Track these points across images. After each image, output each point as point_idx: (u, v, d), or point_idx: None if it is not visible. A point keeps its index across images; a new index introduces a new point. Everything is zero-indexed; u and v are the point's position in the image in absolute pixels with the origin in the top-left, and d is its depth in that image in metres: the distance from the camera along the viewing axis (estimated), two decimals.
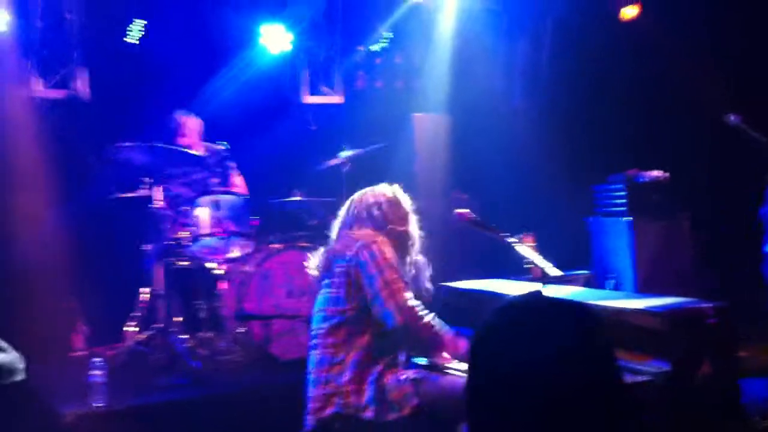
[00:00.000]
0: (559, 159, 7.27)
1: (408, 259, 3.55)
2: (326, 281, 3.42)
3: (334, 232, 3.64)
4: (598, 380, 1.58)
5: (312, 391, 3.29)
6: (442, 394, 3.22)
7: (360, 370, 3.22)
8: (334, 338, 3.28)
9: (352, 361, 3.23)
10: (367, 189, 3.67)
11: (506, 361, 1.57)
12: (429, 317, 3.36)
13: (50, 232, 6.08)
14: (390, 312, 3.23)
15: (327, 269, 3.43)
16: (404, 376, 3.30)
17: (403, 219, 3.59)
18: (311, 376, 3.32)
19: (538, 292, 1.77)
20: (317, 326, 3.38)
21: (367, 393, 3.19)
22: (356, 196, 3.67)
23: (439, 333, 3.37)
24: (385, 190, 3.65)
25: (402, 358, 3.42)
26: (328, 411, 3.20)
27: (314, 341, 3.37)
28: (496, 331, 1.64)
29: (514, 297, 1.71)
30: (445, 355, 3.44)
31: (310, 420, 3.28)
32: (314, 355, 3.35)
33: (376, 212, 3.53)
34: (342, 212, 3.66)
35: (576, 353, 1.57)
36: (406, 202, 3.66)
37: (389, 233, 3.47)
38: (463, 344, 3.35)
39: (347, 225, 3.57)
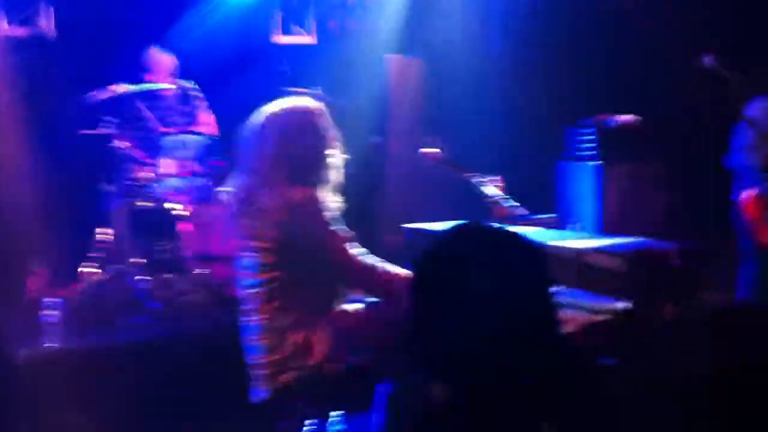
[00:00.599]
0: (531, 103, 7.18)
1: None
2: (250, 243, 3.06)
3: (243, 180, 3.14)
4: (533, 308, 1.60)
5: (258, 359, 3.05)
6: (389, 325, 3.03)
7: (308, 329, 3.01)
8: (272, 303, 3.02)
9: (297, 322, 3.01)
10: (264, 116, 3.13)
11: (446, 288, 1.57)
12: (377, 270, 3.10)
13: (11, 171, 5.94)
14: (337, 272, 3.05)
15: (248, 230, 3.07)
16: (354, 317, 3.15)
17: (320, 152, 3.11)
18: (254, 344, 3.06)
19: (476, 221, 1.74)
20: (248, 291, 3.09)
21: (319, 347, 3.01)
22: (255, 123, 3.13)
23: (390, 280, 3.10)
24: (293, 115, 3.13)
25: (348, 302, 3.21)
26: (285, 376, 2.99)
27: (248, 307, 3.10)
28: (435, 258, 1.65)
29: (453, 226, 1.71)
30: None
31: (263, 386, 3.04)
32: (252, 322, 3.08)
33: (291, 153, 3.06)
34: (247, 144, 3.15)
35: (511, 280, 1.58)
36: (313, 125, 3.13)
37: (306, 177, 3.06)
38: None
39: (259, 172, 3.08)
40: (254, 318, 3.08)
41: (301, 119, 3.13)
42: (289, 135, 3.08)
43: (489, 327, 1.53)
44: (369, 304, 3.24)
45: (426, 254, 1.66)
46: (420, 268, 1.65)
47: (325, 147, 3.14)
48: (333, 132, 3.18)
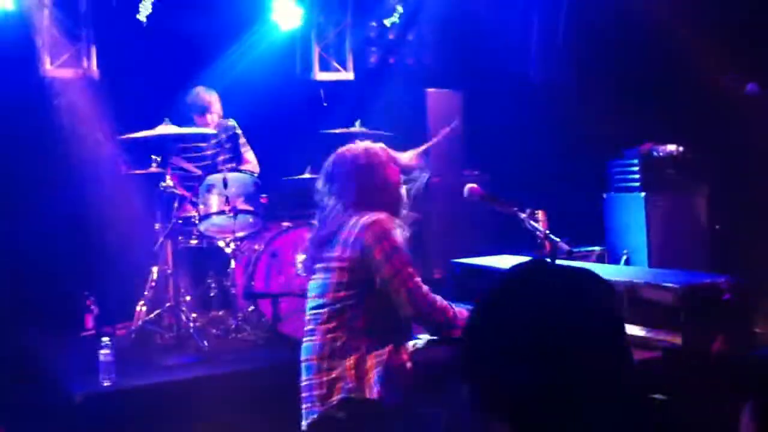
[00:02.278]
0: (573, 134, 7.16)
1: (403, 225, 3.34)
2: (321, 265, 3.23)
3: (325, 211, 3.34)
4: (605, 350, 1.50)
5: (312, 379, 3.14)
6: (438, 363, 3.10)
7: (365, 356, 3.08)
8: (334, 324, 3.13)
9: (356, 346, 3.09)
10: (338, 154, 3.39)
11: (507, 329, 1.50)
12: (441, 302, 3.19)
13: (62, 212, 6.06)
14: (401, 301, 3.10)
15: (320, 252, 3.24)
16: (408, 358, 3.15)
17: (390, 182, 3.34)
18: (309, 363, 3.17)
19: (542, 259, 1.70)
20: (313, 312, 3.22)
21: (374, 376, 3.05)
22: (329, 164, 3.38)
23: (453, 317, 3.18)
24: (361, 152, 3.34)
25: (408, 339, 3.27)
26: (335, 397, 3.06)
27: (310, 327, 3.22)
28: (498, 295, 1.57)
29: (517, 264, 1.64)
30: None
31: (313, 407, 3.13)
32: (312, 342, 3.19)
33: (360, 184, 3.27)
34: (321, 185, 3.37)
35: (582, 321, 1.49)
36: (385, 158, 3.36)
37: (384, 206, 3.26)
38: None
39: (337, 201, 3.29)
40: (311, 338, 3.19)
41: (379, 155, 3.36)
42: (373, 167, 3.31)
43: (558, 368, 1.45)
44: (429, 342, 3.27)
45: (492, 293, 1.58)
46: (486, 306, 1.58)
47: (399, 179, 3.38)
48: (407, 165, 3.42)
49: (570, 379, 1.45)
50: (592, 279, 1.56)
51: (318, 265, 3.26)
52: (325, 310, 3.16)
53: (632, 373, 1.58)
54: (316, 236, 3.30)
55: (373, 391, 3.04)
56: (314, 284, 3.26)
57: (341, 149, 3.40)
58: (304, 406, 3.17)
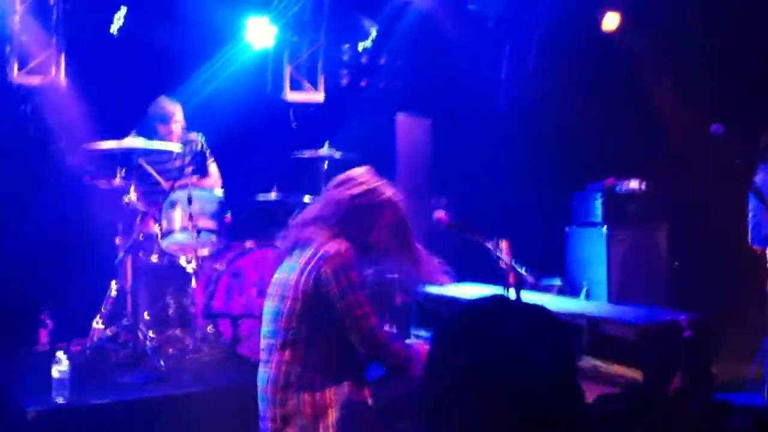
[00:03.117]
0: (539, 166, 7.24)
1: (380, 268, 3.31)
2: (279, 291, 3.08)
3: (296, 229, 3.20)
4: (558, 389, 1.54)
5: (268, 411, 3.03)
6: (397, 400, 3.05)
7: (321, 391, 2.96)
8: (288, 355, 2.99)
9: (312, 381, 2.96)
10: (346, 176, 3.22)
11: (464, 363, 1.52)
12: (395, 345, 3.05)
13: (22, 221, 5.96)
14: (355, 340, 2.98)
15: (283, 276, 3.09)
16: (369, 395, 3.08)
17: (379, 223, 3.14)
18: (266, 395, 3.04)
19: (501, 295, 1.72)
20: (268, 339, 3.08)
21: (332, 416, 2.95)
22: (332, 183, 3.25)
23: (408, 359, 3.05)
24: (363, 181, 3.18)
25: (367, 376, 3.16)
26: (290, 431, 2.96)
27: (266, 356, 3.08)
28: (456, 332, 1.59)
29: (476, 299, 1.66)
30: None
31: None
32: (267, 372, 3.05)
33: (347, 211, 3.12)
34: (314, 204, 3.29)
35: (537, 360, 1.52)
36: (385, 198, 3.19)
37: (357, 240, 3.09)
38: None
39: (312, 221, 3.16)
40: (265, 369, 3.07)
41: (385, 195, 3.19)
42: (373, 203, 3.15)
43: (512, 402, 1.48)
44: (381, 378, 3.20)
45: (450, 328, 1.61)
46: (443, 340, 1.60)
47: (380, 214, 3.17)
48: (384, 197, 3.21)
49: (523, 417, 1.47)
50: (548, 318, 1.59)
51: (272, 288, 3.13)
52: (279, 339, 3.02)
53: (584, 412, 1.62)
54: (281, 248, 3.19)
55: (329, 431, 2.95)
56: (267, 308, 3.13)
57: (349, 173, 3.25)
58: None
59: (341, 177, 3.26)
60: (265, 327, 3.12)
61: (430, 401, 1.56)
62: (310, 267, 2.98)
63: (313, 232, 3.11)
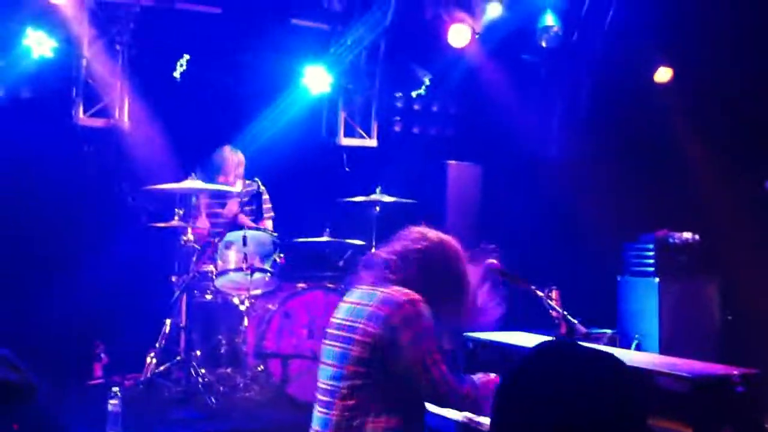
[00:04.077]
0: (590, 215, 7.22)
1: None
2: (344, 333, 3.02)
3: (367, 273, 3.16)
4: None
5: None
6: None
7: None
8: (354, 401, 2.93)
9: (373, 429, 2.90)
10: (420, 231, 3.20)
11: (533, 408, 1.51)
12: (463, 389, 3.00)
13: (82, 259, 6.13)
14: (423, 388, 2.93)
15: (349, 319, 3.04)
16: None
17: (453, 284, 3.13)
18: None
19: (570, 340, 1.70)
20: (330, 383, 3.01)
21: None
22: (405, 235, 3.20)
23: (475, 400, 3.00)
24: (441, 243, 3.17)
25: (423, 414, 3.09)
26: None
27: (327, 398, 3.01)
28: (524, 376, 1.57)
29: (542, 343, 1.65)
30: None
31: None
32: (326, 415, 2.97)
33: (421, 267, 3.08)
34: (383, 252, 3.21)
35: (609, 405, 1.50)
36: (459, 262, 3.18)
37: (432, 296, 3.04)
38: None
39: (386, 271, 3.11)
40: (327, 411, 2.99)
41: (442, 245, 3.19)
42: (432, 253, 3.14)
43: None
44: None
45: (518, 371, 1.58)
46: (511, 384, 1.58)
47: (458, 275, 3.18)
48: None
49: None
50: (617, 365, 1.56)
51: (335, 330, 3.08)
52: (346, 384, 2.96)
53: None
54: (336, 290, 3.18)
55: None
56: (331, 351, 3.07)
57: (419, 229, 3.23)
58: None
59: (413, 230, 3.23)
60: (329, 369, 3.04)
61: None
62: (382, 315, 2.94)
63: (382, 278, 3.10)
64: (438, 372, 2.92)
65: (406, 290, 3.01)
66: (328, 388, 3.02)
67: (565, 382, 1.51)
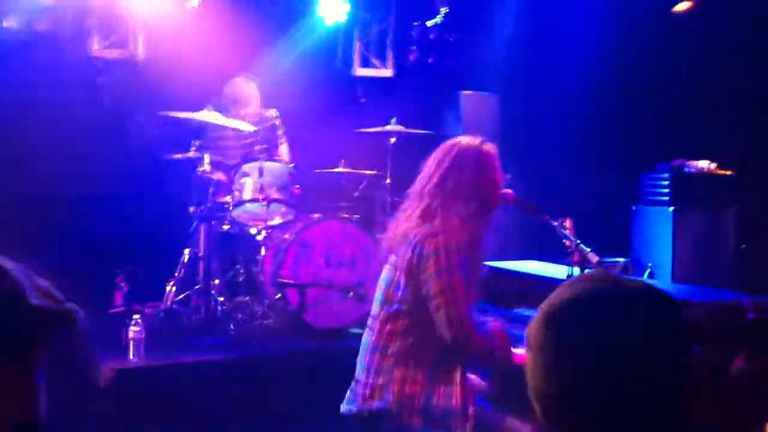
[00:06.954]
0: (608, 144, 7.20)
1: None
2: (392, 258, 3.02)
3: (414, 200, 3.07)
4: (671, 370, 1.43)
5: (361, 376, 3.00)
6: None
7: (414, 373, 2.90)
8: (390, 326, 2.94)
9: (407, 359, 2.91)
10: (454, 142, 3.08)
11: (573, 345, 1.45)
12: (478, 337, 2.89)
13: (100, 189, 6.20)
14: (439, 321, 2.84)
15: (397, 244, 3.00)
16: (457, 401, 2.96)
17: (494, 195, 3.08)
18: (363, 358, 3.02)
19: (604, 272, 1.67)
20: (376, 306, 3.03)
21: (417, 402, 2.89)
22: (439, 151, 3.08)
23: (492, 349, 2.92)
24: (476, 149, 3.05)
25: (458, 374, 3.03)
26: (377, 405, 2.91)
27: (371, 321, 3.05)
28: (563, 314, 1.49)
29: (580, 277, 1.62)
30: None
31: (357, 400, 2.99)
32: (368, 337, 3.02)
33: (461, 183, 2.97)
34: (423, 174, 3.10)
35: (649, 338, 1.43)
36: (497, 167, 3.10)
37: (471, 219, 2.96)
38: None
39: (425, 196, 3.02)
40: (369, 334, 3.04)
41: (489, 157, 3.12)
42: (483, 169, 3.09)
43: (624, 386, 1.40)
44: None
45: (557, 309, 1.49)
46: (551, 323, 1.49)
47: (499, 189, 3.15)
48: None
49: (633, 398, 1.41)
50: (659, 295, 1.50)
51: (391, 256, 3.06)
52: (384, 308, 2.99)
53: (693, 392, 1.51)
54: (399, 229, 3.06)
55: (414, 418, 2.90)
56: (384, 274, 3.07)
57: (454, 141, 3.12)
58: (349, 390, 3.08)
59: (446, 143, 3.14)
60: (377, 292, 3.07)
61: (540, 384, 1.48)
62: (416, 240, 2.91)
63: (425, 207, 3.02)
64: (455, 309, 2.84)
65: (449, 220, 2.95)
66: (375, 309, 3.07)
67: (604, 317, 1.44)
